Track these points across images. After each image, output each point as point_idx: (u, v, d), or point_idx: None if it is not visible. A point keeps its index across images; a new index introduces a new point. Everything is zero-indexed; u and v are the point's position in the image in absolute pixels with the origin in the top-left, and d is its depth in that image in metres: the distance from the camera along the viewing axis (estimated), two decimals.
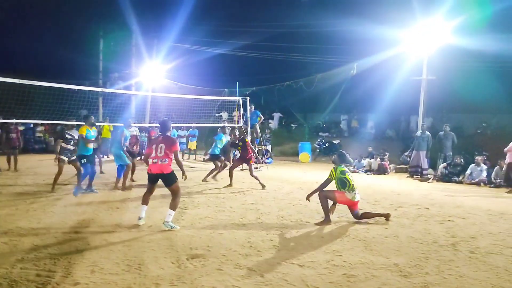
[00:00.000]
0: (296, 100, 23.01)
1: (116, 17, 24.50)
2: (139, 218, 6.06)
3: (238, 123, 15.03)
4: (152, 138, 8.67)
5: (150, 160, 5.88)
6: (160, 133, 6.31)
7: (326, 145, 20.04)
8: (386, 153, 15.22)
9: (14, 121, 12.49)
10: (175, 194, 5.92)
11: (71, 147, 8.78)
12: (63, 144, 8.75)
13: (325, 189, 6.62)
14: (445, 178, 12.58)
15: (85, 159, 8.50)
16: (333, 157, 7.03)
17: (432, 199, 9.10)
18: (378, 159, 14.81)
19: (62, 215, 6.61)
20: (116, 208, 7.27)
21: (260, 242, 5.29)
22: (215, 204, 7.86)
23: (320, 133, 22.67)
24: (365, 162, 15.13)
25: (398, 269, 4.37)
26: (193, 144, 18.36)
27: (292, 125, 25.57)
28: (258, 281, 3.99)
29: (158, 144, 5.89)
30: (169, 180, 5.88)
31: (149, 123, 17.44)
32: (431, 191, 10.45)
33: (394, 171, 15.05)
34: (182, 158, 18.03)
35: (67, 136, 8.83)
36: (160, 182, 6.00)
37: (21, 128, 20.16)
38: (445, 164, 12.98)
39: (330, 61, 20.43)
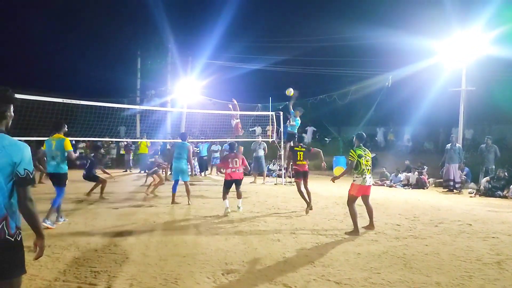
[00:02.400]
0: (330, 114, 22.87)
1: (153, 36, 25.44)
2: (227, 208, 8.14)
3: (271, 138, 15.08)
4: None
5: (229, 170, 8.31)
6: (229, 151, 8.88)
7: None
8: (425, 166, 14.74)
9: (36, 139, 13.08)
10: (240, 190, 8.69)
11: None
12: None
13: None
14: (488, 192, 12.01)
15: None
16: (354, 138, 7.31)
17: (474, 214, 8.71)
18: (416, 173, 14.38)
19: (102, 228, 6.83)
20: (153, 222, 7.42)
21: (295, 258, 5.24)
22: (249, 219, 7.87)
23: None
24: (402, 176, 14.72)
25: None
26: None
27: (326, 139, 25.35)
28: None
29: (233, 158, 8.37)
30: (241, 183, 8.65)
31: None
32: (473, 206, 10.01)
33: (433, 185, 14.55)
34: (217, 173, 18.25)
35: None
36: None
37: None
38: (488, 178, 12.41)
39: (364, 73, 20.26)
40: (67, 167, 7.06)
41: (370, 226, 7.02)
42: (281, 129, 14.54)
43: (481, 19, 14.29)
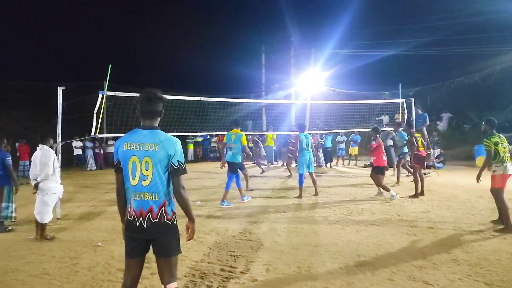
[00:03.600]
0: (470, 98, 20.41)
1: (276, 32, 26.11)
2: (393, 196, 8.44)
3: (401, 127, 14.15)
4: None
5: (384, 157, 8.76)
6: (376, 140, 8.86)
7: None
8: None
9: (190, 134, 14.45)
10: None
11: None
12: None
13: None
14: None
15: None
16: (483, 127, 6.68)
17: None
18: None
19: (238, 217, 7.31)
20: (283, 212, 7.65)
21: (435, 254, 4.85)
22: (380, 211, 7.55)
23: (502, 134, 19.58)
24: None
25: None
26: (354, 150, 18.07)
27: (465, 126, 22.76)
28: None
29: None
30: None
31: (309, 131, 17.85)
32: None
33: None
34: (342, 164, 17.94)
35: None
36: None
37: (199, 139, 23.25)
38: None
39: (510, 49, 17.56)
40: (241, 158, 8.61)
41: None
42: (413, 116, 13.54)
43: None
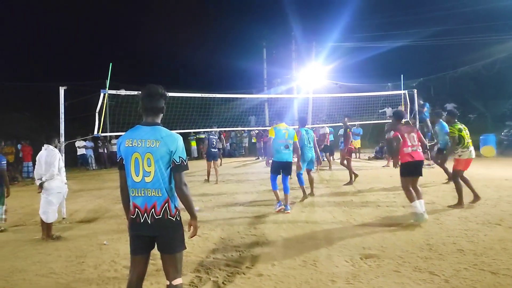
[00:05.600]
0: (474, 87, 20.25)
1: (277, 26, 26.04)
2: (421, 215, 5.88)
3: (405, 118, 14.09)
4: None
5: (408, 149, 6.10)
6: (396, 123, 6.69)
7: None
8: None
9: (191, 130, 14.48)
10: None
11: None
12: None
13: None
14: None
15: None
16: (446, 117, 7.38)
17: None
18: None
19: (241, 212, 7.31)
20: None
21: (441, 245, 4.83)
22: (385, 203, 7.53)
23: (507, 123, 19.42)
24: None
25: None
26: (357, 143, 18.00)
27: (470, 115, 22.60)
28: (442, 287, 3.65)
29: (410, 133, 6.23)
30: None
31: (312, 124, 17.81)
32: None
33: None
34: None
35: None
36: None
37: (202, 136, 23.28)
38: None
39: None
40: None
41: (477, 197, 7.01)
42: (416, 108, 13.47)
43: None
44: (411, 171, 6.14)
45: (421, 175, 6.22)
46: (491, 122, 20.15)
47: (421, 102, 14.14)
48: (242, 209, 7.62)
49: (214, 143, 11.72)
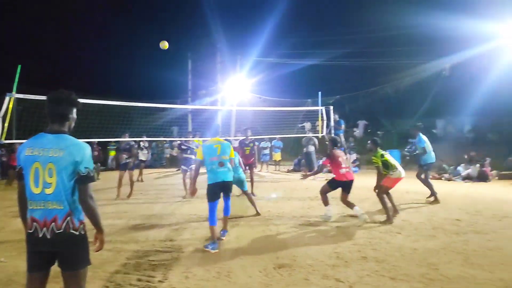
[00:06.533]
0: (383, 106, 22.10)
1: (202, 38, 26.07)
2: (330, 217, 7.17)
3: (321, 133, 14.89)
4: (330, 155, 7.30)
5: (343, 170, 7.05)
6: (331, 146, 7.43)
7: (417, 152, 18.86)
8: (487, 158, 13.87)
9: (96, 140, 13.91)
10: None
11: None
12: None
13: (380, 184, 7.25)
14: None
15: None
16: (368, 145, 7.63)
17: None
18: (478, 165, 13.56)
19: (159, 225, 7.13)
20: (205, 217, 7.60)
21: (347, 253, 5.16)
22: (300, 214, 7.85)
23: (410, 140, 21.39)
24: (462, 168, 13.94)
25: (505, 285, 3.95)
26: (277, 156, 18.57)
27: (378, 132, 24.55)
28: None
29: (343, 156, 7.31)
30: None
31: (235, 136, 18.01)
32: None
33: (497, 178, 13.64)
34: (267, 169, 18.32)
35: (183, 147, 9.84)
36: None
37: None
38: None
39: (418, 62, 19.36)
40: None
41: (396, 211, 7.44)
42: (332, 124, 14.31)
43: None
44: (339, 187, 7.16)
45: (349, 193, 7.16)
46: (396, 138, 22.07)
47: (337, 117, 15.03)
48: (159, 221, 7.43)
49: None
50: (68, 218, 2.56)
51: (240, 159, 8.64)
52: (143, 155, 14.12)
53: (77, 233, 2.59)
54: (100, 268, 4.60)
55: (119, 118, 13.54)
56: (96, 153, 14.60)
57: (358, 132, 24.51)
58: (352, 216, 7.29)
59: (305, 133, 16.85)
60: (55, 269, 2.66)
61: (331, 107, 14.43)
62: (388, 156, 7.39)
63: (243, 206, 8.19)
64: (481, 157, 13.96)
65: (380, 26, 22.03)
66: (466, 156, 14.50)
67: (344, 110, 22.60)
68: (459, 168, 14.07)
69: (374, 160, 7.26)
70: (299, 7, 26.58)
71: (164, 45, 11.23)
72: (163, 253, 5.31)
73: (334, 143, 7.50)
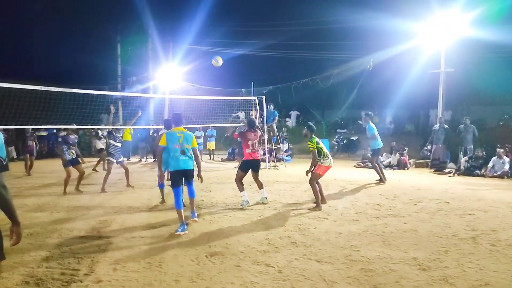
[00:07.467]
0: (313, 98, 22.94)
1: (132, 22, 24.97)
2: (247, 202, 7.54)
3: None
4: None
5: (249, 150, 7.63)
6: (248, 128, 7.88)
7: (344, 141, 19.93)
8: (406, 148, 15.04)
9: (29, 127, 12.97)
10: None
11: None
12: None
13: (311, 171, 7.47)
14: (467, 171, 12.35)
15: None
16: (304, 131, 7.92)
17: (452, 193, 8.96)
18: (397, 154, 14.64)
19: (85, 216, 6.81)
20: (137, 208, 7.43)
21: (278, 239, 5.34)
22: (233, 202, 7.94)
23: (338, 130, 22.55)
24: (383, 157, 14.96)
25: (417, 263, 4.35)
26: (211, 145, 18.53)
27: (309, 122, 25.49)
28: (276, 277, 4.03)
29: (254, 141, 7.73)
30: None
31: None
32: (452, 185, 10.28)
33: (414, 166, 14.86)
34: (201, 159, 18.20)
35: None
36: None
37: (44, 133, 20.82)
38: (466, 157, 12.75)
39: (346, 56, 20.33)
40: None
41: (324, 200, 7.69)
42: (264, 113, 14.56)
43: (460, 1, 14.47)
44: (249, 167, 7.70)
45: (258, 171, 7.79)
46: (326, 129, 23.09)
47: (272, 108, 15.32)
48: (85, 212, 7.10)
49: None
50: None
51: None
52: (102, 144, 13.51)
53: None
54: (20, 263, 4.32)
55: (41, 104, 12.59)
56: (30, 142, 13.64)
57: (290, 122, 25.22)
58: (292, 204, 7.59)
59: (239, 123, 16.93)
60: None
61: (264, 97, 14.66)
62: (321, 144, 7.66)
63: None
64: (400, 147, 15.09)
65: (312, 19, 22.78)
66: (388, 147, 15.58)
67: (277, 100, 23.10)
68: (380, 157, 15.05)
69: (310, 145, 7.49)
70: None
71: (218, 63, 11.87)
72: (89, 245, 5.10)
73: (251, 125, 7.95)
